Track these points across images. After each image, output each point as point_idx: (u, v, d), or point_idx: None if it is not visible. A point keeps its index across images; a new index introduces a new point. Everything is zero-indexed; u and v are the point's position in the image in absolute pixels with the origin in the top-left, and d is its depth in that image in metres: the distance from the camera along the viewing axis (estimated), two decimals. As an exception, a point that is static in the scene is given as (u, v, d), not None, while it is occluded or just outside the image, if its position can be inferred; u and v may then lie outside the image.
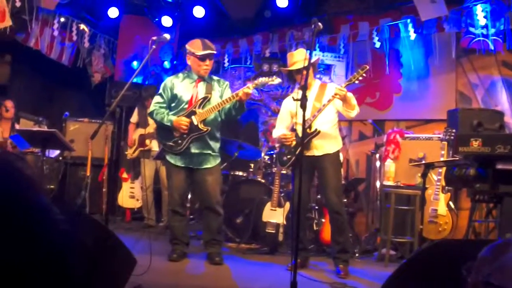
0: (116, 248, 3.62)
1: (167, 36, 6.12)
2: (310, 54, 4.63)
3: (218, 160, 6.32)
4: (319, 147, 6.02)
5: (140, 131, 8.77)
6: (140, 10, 10.13)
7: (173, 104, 6.23)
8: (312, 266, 6.32)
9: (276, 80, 6.09)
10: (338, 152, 6.17)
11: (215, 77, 6.47)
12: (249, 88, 5.89)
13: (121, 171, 9.16)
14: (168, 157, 6.23)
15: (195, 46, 6.19)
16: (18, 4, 8.25)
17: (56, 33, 9.46)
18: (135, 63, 10.44)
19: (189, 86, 6.24)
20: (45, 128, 8.46)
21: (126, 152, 9.06)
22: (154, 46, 5.79)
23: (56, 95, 10.89)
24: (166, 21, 9.98)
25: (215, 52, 6.33)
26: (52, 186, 8.96)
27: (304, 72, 5.58)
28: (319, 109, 5.90)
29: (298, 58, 6.10)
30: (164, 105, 6.22)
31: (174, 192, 6.23)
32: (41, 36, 9.30)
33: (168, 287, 5.07)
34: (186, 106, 6.16)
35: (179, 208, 6.29)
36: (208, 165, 6.20)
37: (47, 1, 8.72)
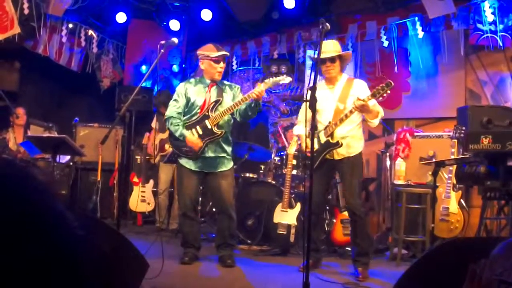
0: (128, 252, 3.63)
1: (175, 40, 6.14)
2: (319, 55, 4.62)
3: (232, 163, 6.37)
4: (340, 150, 5.90)
5: (161, 135, 8.78)
6: (148, 14, 10.17)
7: (186, 109, 6.27)
8: (324, 267, 6.32)
9: (287, 79, 6.07)
10: (358, 154, 5.99)
11: (226, 82, 6.53)
12: (260, 86, 5.87)
13: (132, 175, 9.18)
14: (182, 162, 6.26)
15: (208, 49, 6.25)
16: (26, 11, 8.30)
17: (64, 39, 9.51)
18: (143, 68, 10.48)
19: (202, 90, 6.28)
20: (55, 134, 8.49)
21: (137, 157, 9.08)
22: (162, 50, 5.81)
23: (65, 101, 10.93)
24: (174, 25, 10.02)
25: (228, 54, 6.39)
26: (63, 192, 8.99)
27: (330, 66, 5.65)
28: (341, 119, 5.76)
29: (326, 48, 5.93)
30: (180, 110, 6.25)
31: (186, 196, 6.23)
32: (50, 43, 9.35)
33: (181, 290, 5.09)
34: (199, 110, 6.20)
35: (191, 213, 6.30)
36: (223, 168, 6.24)
37: (55, 8, 8.76)
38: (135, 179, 9.09)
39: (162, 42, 5.90)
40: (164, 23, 10.11)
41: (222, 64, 6.25)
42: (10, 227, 0.70)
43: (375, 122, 5.85)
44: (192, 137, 6.10)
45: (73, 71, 10.00)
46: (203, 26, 10.03)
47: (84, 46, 9.95)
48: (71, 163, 9.44)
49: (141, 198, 8.98)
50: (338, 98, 5.93)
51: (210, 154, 6.16)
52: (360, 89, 5.88)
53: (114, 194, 9.19)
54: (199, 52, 6.36)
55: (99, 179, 9.18)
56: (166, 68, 10.54)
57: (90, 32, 9.91)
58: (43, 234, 0.73)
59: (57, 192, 0.82)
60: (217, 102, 6.19)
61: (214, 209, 8.04)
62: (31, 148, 7.58)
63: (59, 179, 8.89)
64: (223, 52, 6.26)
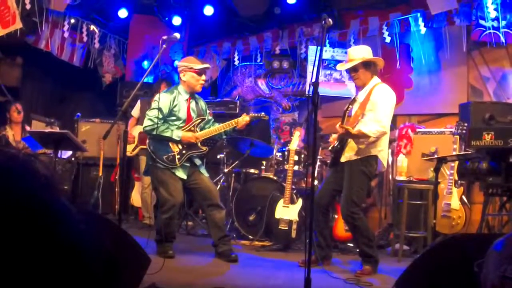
0: (130, 248, 3.64)
1: (177, 35, 6.14)
2: (321, 50, 4.61)
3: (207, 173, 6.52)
4: (346, 153, 5.87)
5: (140, 128, 8.70)
6: (150, 9, 10.15)
7: (170, 122, 6.21)
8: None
9: (266, 117, 6.65)
10: (360, 159, 5.81)
11: (197, 95, 6.52)
12: (246, 117, 6.28)
13: (133, 170, 9.17)
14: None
15: (191, 61, 6.30)
16: (28, 6, 8.27)
17: (66, 34, 9.49)
18: (145, 63, 10.47)
19: (183, 104, 6.26)
20: (57, 129, 8.48)
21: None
22: (164, 46, 5.82)
23: (67, 96, 10.94)
24: (176, 20, 10.00)
25: (210, 67, 6.44)
26: (65, 187, 8.98)
27: (353, 75, 5.78)
28: (353, 128, 5.73)
29: (352, 55, 5.96)
30: (162, 121, 6.10)
31: (176, 199, 6.14)
32: (52, 38, 9.34)
33: (182, 286, 5.08)
34: (183, 124, 6.23)
35: (177, 215, 6.44)
36: (202, 170, 6.36)
37: (57, 3, 8.75)
38: (137, 175, 9.08)
39: (164, 37, 5.90)
40: (166, 18, 10.09)
41: (204, 77, 6.32)
42: (13, 220, 0.70)
43: (371, 138, 5.69)
44: (186, 133, 6.17)
45: (75, 66, 9.99)
46: (205, 21, 10.02)
47: (86, 41, 9.94)
48: (72, 159, 9.43)
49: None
50: (359, 105, 5.87)
51: (190, 163, 6.25)
52: (373, 97, 5.78)
53: (116, 190, 9.18)
54: (180, 63, 6.37)
55: (100, 174, 9.17)
56: (168, 63, 10.52)
57: (92, 27, 9.90)
58: (47, 228, 0.73)
59: (60, 186, 0.82)
60: (203, 120, 6.34)
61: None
62: (33, 144, 7.58)
63: (61, 175, 8.88)
64: (207, 65, 6.37)
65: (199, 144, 6.22)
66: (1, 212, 0.70)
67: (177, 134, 6.12)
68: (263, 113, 6.58)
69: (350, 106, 5.77)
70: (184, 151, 6.15)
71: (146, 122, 6.11)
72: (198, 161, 6.33)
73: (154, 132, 6.05)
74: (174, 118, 6.19)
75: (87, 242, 0.78)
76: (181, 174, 6.18)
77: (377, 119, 5.67)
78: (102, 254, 0.82)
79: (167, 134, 6.09)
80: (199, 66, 6.21)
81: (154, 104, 6.15)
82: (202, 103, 6.50)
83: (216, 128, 6.29)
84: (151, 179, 6.55)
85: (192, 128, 6.24)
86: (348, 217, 5.85)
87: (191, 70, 6.19)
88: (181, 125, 6.22)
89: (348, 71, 6.13)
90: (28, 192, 0.74)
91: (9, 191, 0.72)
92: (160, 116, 6.06)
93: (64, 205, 0.79)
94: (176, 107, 6.18)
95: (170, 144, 6.15)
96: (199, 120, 6.30)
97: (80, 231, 0.78)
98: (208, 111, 6.64)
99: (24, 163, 0.79)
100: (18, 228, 0.70)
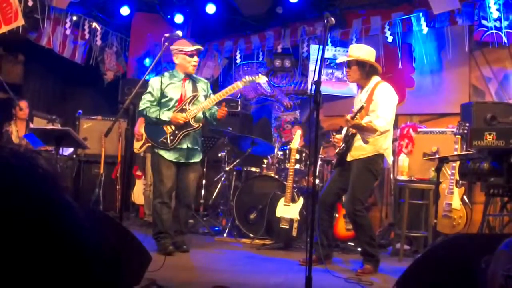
0: (131, 245, 3.64)
1: (179, 33, 6.19)
2: (323, 49, 4.60)
3: (201, 155, 6.61)
4: (352, 152, 5.85)
5: None
6: (152, 7, 10.15)
7: (163, 102, 6.31)
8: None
9: (262, 78, 6.66)
10: (368, 158, 5.78)
11: (197, 77, 6.69)
12: (238, 84, 6.36)
13: (135, 168, 9.18)
14: (160, 151, 6.32)
15: (182, 44, 6.41)
16: (30, 3, 8.29)
17: (68, 31, 9.50)
18: (147, 61, 10.47)
19: (177, 85, 6.38)
20: (58, 126, 8.49)
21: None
22: (166, 43, 5.83)
23: (69, 93, 10.95)
24: (178, 18, 10.00)
25: (202, 48, 6.48)
26: (66, 184, 8.95)
27: (347, 71, 5.68)
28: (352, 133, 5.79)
29: (350, 51, 5.98)
30: (155, 103, 6.30)
31: (166, 184, 6.29)
32: (54, 35, 9.35)
33: (183, 283, 5.08)
34: (176, 104, 6.31)
35: (168, 201, 6.42)
36: (196, 159, 6.45)
37: (59, 0, 8.75)
38: (138, 172, 9.09)
39: (166, 35, 5.92)
40: (168, 16, 10.10)
41: (196, 58, 6.41)
42: (19, 217, 0.70)
43: (373, 135, 5.65)
44: (176, 114, 6.22)
45: (76, 63, 10.00)
46: (207, 20, 10.02)
47: (88, 38, 9.95)
48: (74, 156, 9.44)
49: (143, 191, 8.97)
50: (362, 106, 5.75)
51: (185, 145, 6.30)
52: (375, 97, 5.75)
53: (117, 187, 9.19)
54: (172, 47, 6.44)
55: (102, 171, 9.18)
56: (170, 61, 10.48)
57: (94, 24, 9.90)
58: (52, 225, 0.73)
59: (64, 182, 0.82)
60: (194, 97, 6.36)
61: (216, 203, 8.04)
62: (34, 140, 7.58)
63: (62, 172, 8.88)
64: (197, 46, 6.43)
65: (191, 122, 6.26)
66: (6, 208, 0.70)
67: (167, 115, 6.23)
68: (260, 75, 6.66)
69: (358, 114, 5.66)
70: (176, 131, 6.24)
71: (141, 105, 6.31)
72: (196, 143, 6.42)
73: (145, 113, 6.26)
74: (167, 99, 6.30)
75: (92, 239, 0.78)
76: (175, 156, 6.30)
77: (381, 115, 5.64)
78: (107, 252, 0.82)
79: (155, 114, 6.22)
80: (190, 48, 6.31)
81: (148, 89, 6.36)
82: (202, 84, 6.59)
83: (209, 100, 6.33)
84: (151, 164, 6.68)
85: (184, 107, 6.29)
86: (352, 214, 5.84)
87: (182, 53, 6.33)
88: (174, 105, 6.29)
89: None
90: (33, 188, 0.74)
91: (14, 188, 0.72)
92: (152, 98, 6.29)
93: (68, 202, 0.79)
94: (167, 87, 6.31)
95: (164, 127, 6.25)
96: (191, 98, 6.33)
97: (85, 227, 0.78)
98: (209, 89, 6.65)
99: (28, 159, 0.79)
100: (24, 225, 0.70)
